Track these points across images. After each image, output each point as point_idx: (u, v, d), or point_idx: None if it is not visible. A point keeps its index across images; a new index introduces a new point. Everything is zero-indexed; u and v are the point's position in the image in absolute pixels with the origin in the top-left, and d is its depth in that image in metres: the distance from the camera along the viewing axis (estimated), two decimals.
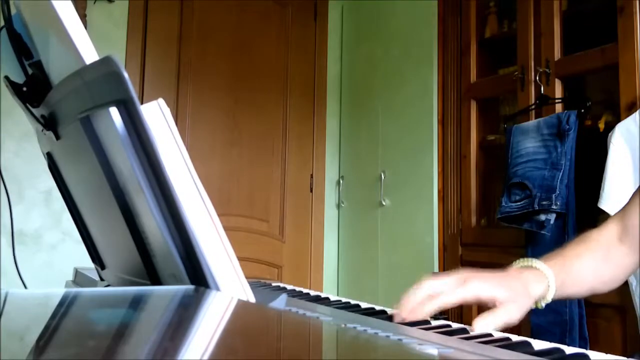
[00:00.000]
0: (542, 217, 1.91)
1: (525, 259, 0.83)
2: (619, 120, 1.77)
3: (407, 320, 0.71)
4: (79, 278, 1.02)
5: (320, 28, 3.26)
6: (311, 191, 3.17)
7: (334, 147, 3.24)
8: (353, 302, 0.88)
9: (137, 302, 0.51)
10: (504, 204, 2.03)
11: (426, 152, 2.57)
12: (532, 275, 0.81)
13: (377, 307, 0.82)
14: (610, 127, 1.80)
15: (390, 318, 0.74)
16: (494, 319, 0.71)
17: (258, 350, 0.34)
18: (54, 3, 0.51)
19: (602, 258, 0.90)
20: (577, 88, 2.15)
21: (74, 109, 0.57)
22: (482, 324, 0.69)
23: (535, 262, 0.82)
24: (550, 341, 0.62)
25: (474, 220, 2.40)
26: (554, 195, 1.87)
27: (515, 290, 0.75)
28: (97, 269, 0.80)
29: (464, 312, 2.28)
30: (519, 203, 1.98)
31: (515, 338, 0.64)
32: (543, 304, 0.81)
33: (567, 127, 1.89)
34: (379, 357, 0.35)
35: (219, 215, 0.52)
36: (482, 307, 0.74)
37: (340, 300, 0.90)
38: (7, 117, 2.45)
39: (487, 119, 2.45)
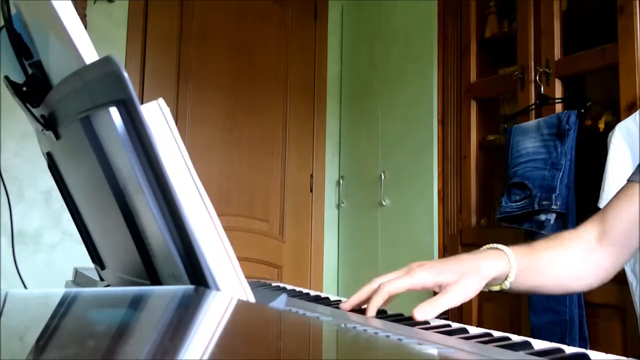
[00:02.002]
0: (542, 217, 1.91)
1: (492, 244, 0.85)
2: (619, 120, 1.77)
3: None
4: (79, 278, 1.02)
5: (320, 28, 3.26)
6: (311, 191, 3.17)
7: (334, 147, 3.24)
8: None
9: (137, 302, 0.51)
10: (504, 204, 2.03)
11: (426, 152, 2.57)
12: (489, 254, 0.82)
13: None
14: (610, 127, 1.80)
15: (391, 318, 0.74)
16: (433, 308, 0.73)
17: (258, 350, 0.34)
18: (54, 3, 0.51)
19: (576, 255, 0.90)
20: (577, 88, 2.15)
21: (74, 109, 0.57)
22: (420, 314, 0.72)
23: (499, 245, 0.84)
24: (550, 341, 0.62)
25: (474, 220, 2.40)
26: (554, 195, 1.87)
27: (460, 272, 0.77)
28: (97, 269, 0.80)
29: (464, 312, 2.28)
30: (519, 203, 1.98)
31: (515, 338, 0.64)
32: (507, 284, 0.82)
33: (567, 127, 1.89)
34: (379, 357, 0.35)
35: (219, 215, 0.52)
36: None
37: (340, 300, 0.90)
38: (7, 117, 2.45)
39: (487, 119, 2.45)
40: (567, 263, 0.89)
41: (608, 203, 0.94)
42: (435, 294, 0.77)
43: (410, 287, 0.76)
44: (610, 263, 0.91)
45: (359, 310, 0.80)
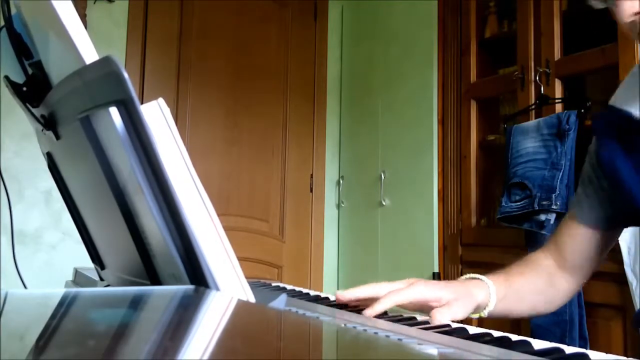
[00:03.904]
0: (542, 217, 1.91)
1: (471, 274, 0.91)
2: None
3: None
4: (79, 278, 1.02)
5: (320, 28, 3.26)
6: (311, 191, 3.17)
7: (334, 147, 3.24)
8: None
9: (137, 302, 0.51)
10: (504, 204, 2.03)
11: (426, 152, 2.57)
12: (474, 283, 0.88)
13: None
14: None
15: (391, 318, 0.74)
16: (447, 314, 0.77)
17: (258, 350, 0.34)
18: (54, 3, 0.51)
19: (545, 282, 0.97)
20: (577, 88, 2.15)
21: (73, 109, 0.57)
22: (439, 317, 0.75)
23: (479, 276, 0.89)
24: (550, 341, 0.62)
25: (474, 220, 2.39)
26: (554, 195, 1.87)
27: (458, 292, 0.82)
28: (97, 269, 0.80)
29: None
30: (519, 203, 1.98)
31: (515, 338, 0.64)
32: (485, 313, 0.87)
33: (567, 127, 1.89)
34: (379, 357, 0.35)
35: (219, 215, 0.52)
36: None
37: None
38: (7, 117, 2.45)
39: (487, 119, 2.45)
40: (537, 289, 0.96)
41: (557, 232, 1.01)
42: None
43: (412, 299, 0.79)
44: (571, 286, 0.99)
45: (360, 310, 0.80)
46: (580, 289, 1.01)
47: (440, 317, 0.75)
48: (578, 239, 0.96)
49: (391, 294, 0.78)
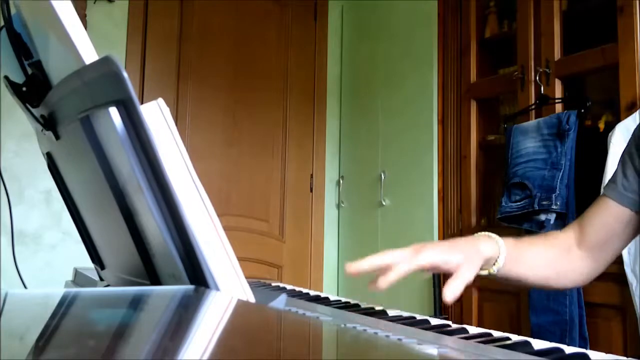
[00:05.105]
0: (542, 217, 1.91)
1: (482, 232, 0.90)
2: (619, 120, 1.77)
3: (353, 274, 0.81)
4: (79, 278, 1.02)
5: (320, 28, 3.26)
6: (311, 191, 3.17)
7: (334, 147, 3.24)
8: (353, 302, 0.88)
9: (137, 302, 0.51)
10: (504, 204, 2.03)
11: (426, 152, 2.57)
12: (481, 237, 0.88)
13: (377, 307, 0.83)
14: (610, 127, 1.80)
15: (391, 318, 0.74)
16: (457, 282, 0.77)
17: (258, 350, 0.34)
18: (54, 3, 0.51)
19: (560, 252, 0.96)
20: (577, 88, 2.15)
21: (73, 109, 0.57)
22: (451, 292, 0.76)
23: (488, 233, 0.90)
24: (550, 341, 0.62)
25: (474, 220, 2.39)
26: (554, 195, 1.87)
27: (464, 251, 0.83)
28: (97, 269, 0.80)
29: (464, 312, 2.28)
30: (519, 203, 1.98)
31: (515, 338, 0.64)
32: (495, 269, 0.87)
33: (567, 127, 1.89)
34: (378, 357, 0.35)
35: (219, 215, 0.52)
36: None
37: (340, 300, 0.90)
38: (7, 117, 2.45)
39: (487, 119, 2.45)
40: (549, 259, 0.96)
41: (585, 211, 1.00)
42: (437, 276, 0.80)
43: (421, 266, 0.80)
44: (588, 267, 0.97)
45: (360, 310, 0.80)
46: (598, 273, 0.99)
47: (451, 292, 0.75)
48: (606, 216, 0.95)
49: (402, 263, 0.79)
